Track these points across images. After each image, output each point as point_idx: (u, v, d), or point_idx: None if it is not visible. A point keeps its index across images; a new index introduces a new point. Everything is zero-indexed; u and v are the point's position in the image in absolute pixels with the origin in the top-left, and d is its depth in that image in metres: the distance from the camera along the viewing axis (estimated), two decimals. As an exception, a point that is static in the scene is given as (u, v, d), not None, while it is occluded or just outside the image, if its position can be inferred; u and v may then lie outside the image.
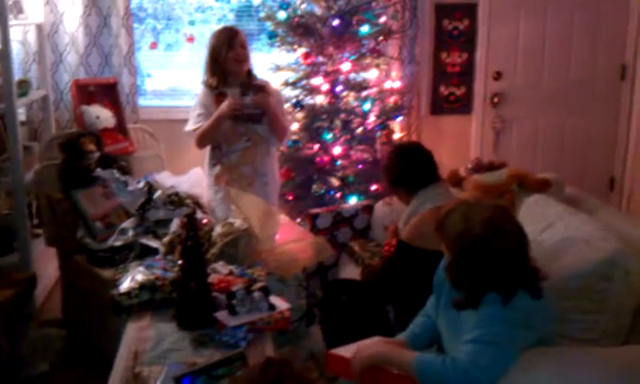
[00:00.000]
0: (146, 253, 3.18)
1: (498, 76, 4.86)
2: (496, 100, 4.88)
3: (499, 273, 1.94)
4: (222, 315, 2.40)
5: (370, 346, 2.12)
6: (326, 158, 4.17)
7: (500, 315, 1.92)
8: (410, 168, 2.88)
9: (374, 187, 4.26)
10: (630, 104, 4.86)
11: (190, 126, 3.59)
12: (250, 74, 3.57)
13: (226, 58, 3.51)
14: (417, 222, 2.77)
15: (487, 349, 1.88)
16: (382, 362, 2.04)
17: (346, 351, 2.18)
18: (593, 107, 4.94)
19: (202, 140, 3.57)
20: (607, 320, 2.23)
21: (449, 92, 4.91)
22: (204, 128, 3.50)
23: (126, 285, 2.63)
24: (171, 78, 5.11)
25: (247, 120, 3.51)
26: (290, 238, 3.34)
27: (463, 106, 4.93)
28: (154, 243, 3.22)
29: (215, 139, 3.58)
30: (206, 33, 4.85)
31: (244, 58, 3.55)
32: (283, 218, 3.53)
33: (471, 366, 1.86)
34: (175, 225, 3.14)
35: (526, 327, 1.93)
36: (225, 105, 3.44)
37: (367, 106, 4.28)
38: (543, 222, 2.65)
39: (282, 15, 4.19)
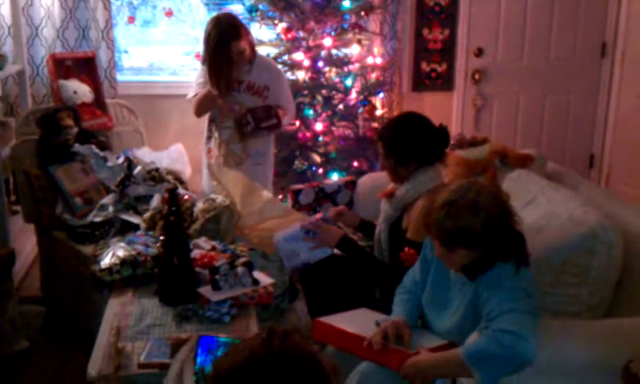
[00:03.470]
0: (127, 229, 3.15)
1: (479, 52, 4.85)
2: (477, 77, 4.88)
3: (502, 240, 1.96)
4: (205, 290, 2.38)
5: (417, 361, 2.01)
6: (307, 134, 4.16)
7: (515, 284, 1.94)
8: (426, 140, 2.62)
9: (356, 163, 4.26)
10: (609, 81, 4.90)
11: (190, 94, 3.58)
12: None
13: (226, 69, 3.41)
14: (418, 217, 2.51)
15: (525, 317, 1.87)
16: (433, 375, 1.98)
17: (332, 320, 2.19)
18: (573, 84, 4.97)
19: (196, 110, 3.56)
20: (589, 293, 2.25)
21: (430, 68, 4.89)
22: (198, 98, 3.49)
23: (107, 261, 2.61)
24: (149, 54, 5.03)
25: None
26: (272, 214, 3.32)
27: (444, 82, 4.92)
28: (134, 219, 3.18)
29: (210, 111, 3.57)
30: (183, 8, 4.78)
31: (244, 63, 3.46)
32: (266, 194, 3.51)
33: (516, 338, 1.82)
34: (156, 200, 3.12)
35: (529, 295, 1.94)
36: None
37: (349, 82, 4.26)
38: (526, 197, 2.66)
39: (263, -11, 4.14)
